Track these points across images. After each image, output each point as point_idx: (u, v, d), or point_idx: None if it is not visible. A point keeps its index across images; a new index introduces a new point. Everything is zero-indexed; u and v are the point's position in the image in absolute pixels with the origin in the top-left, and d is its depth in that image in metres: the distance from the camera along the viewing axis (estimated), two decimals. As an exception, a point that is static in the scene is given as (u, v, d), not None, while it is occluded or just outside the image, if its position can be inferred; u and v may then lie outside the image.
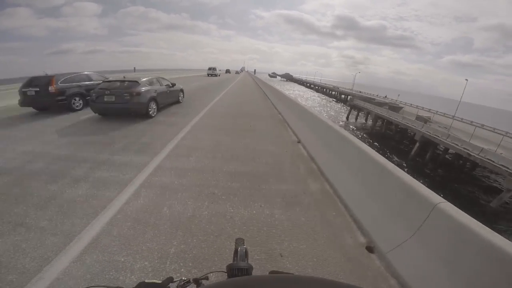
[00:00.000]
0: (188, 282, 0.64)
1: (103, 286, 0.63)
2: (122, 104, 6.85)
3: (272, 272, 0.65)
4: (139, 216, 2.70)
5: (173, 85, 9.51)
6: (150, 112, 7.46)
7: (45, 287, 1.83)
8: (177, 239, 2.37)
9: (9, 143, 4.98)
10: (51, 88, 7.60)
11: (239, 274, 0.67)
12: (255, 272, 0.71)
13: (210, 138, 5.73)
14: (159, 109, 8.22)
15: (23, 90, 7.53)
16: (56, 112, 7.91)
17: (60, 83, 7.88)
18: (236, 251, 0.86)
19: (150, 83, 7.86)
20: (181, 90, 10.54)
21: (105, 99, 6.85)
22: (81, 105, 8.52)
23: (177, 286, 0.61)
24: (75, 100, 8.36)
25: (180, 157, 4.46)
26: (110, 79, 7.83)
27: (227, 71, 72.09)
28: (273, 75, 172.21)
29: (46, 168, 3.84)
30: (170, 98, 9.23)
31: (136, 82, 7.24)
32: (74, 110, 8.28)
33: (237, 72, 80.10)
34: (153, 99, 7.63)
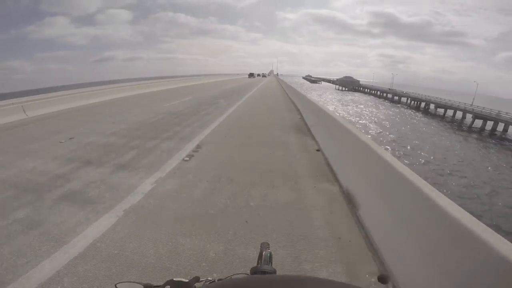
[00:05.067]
0: (213, 282, 0.64)
1: (133, 282, 0.63)
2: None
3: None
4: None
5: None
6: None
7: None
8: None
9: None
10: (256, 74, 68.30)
11: None
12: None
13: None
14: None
15: (250, 73, 63.43)
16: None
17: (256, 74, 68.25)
18: (260, 255, 0.87)
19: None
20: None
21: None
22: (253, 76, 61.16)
23: (202, 286, 0.61)
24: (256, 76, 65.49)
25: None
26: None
27: (251, 75, 60.03)
28: (314, 80, 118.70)
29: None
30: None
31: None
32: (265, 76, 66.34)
33: (251, 75, 58.76)
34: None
